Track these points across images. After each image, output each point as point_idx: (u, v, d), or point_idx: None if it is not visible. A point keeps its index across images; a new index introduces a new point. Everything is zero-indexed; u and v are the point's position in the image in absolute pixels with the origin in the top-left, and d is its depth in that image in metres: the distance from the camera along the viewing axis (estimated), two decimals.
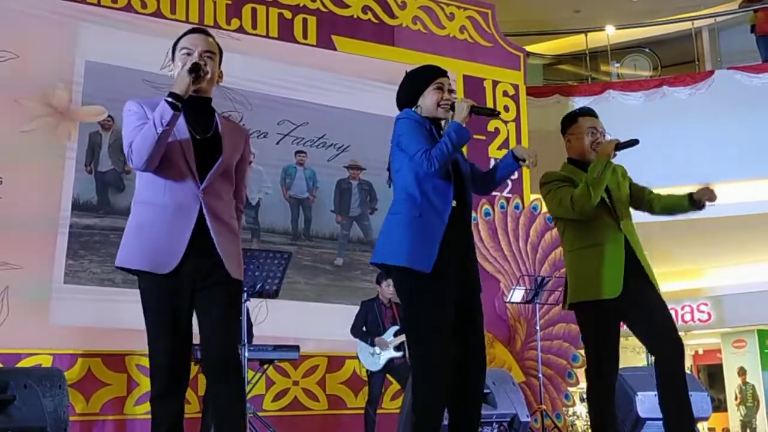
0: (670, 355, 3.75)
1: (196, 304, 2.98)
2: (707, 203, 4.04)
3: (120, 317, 6.67)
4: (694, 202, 4.02)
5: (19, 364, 6.17)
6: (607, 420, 3.84)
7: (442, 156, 3.32)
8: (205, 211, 2.97)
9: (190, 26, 7.51)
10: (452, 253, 3.35)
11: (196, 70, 2.95)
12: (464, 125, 3.39)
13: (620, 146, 3.87)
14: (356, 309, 7.04)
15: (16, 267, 6.54)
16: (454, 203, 3.41)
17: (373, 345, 6.84)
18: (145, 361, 6.65)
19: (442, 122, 3.55)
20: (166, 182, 2.99)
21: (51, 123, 6.95)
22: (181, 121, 3.00)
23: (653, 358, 3.87)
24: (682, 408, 3.71)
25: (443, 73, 3.58)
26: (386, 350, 6.80)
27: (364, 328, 6.94)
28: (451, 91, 3.54)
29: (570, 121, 4.10)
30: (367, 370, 6.92)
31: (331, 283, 7.83)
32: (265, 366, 6.46)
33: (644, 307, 3.83)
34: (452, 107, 3.45)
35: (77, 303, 6.71)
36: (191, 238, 2.94)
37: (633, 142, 3.86)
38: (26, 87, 6.92)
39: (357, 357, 6.97)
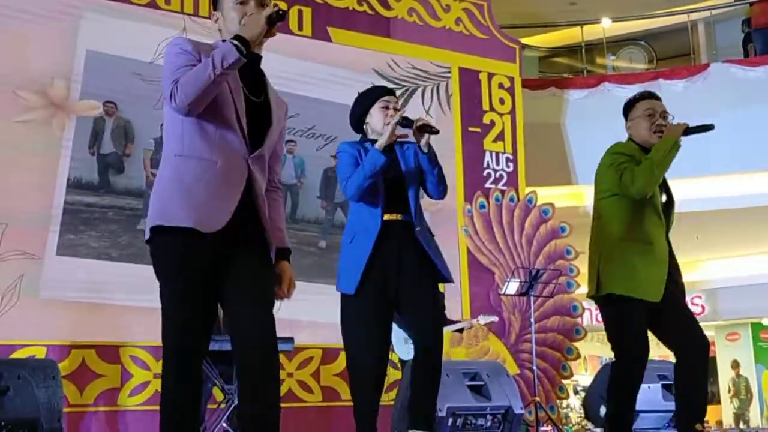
0: (697, 355, 3.77)
1: (227, 274, 2.63)
2: None
3: (115, 293, 6.80)
4: None
5: (13, 356, 6.16)
6: (626, 412, 3.79)
7: (357, 183, 3.57)
8: (252, 178, 2.67)
9: (185, 17, 7.60)
10: (388, 268, 3.54)
11: (281, 18, 2.58)
12: (386, 142, 3.56)
13: (690, 131, 3.71)
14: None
15: (34, 257, 6.63)
16: (395, 216, 3.59)
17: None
18: (139, 353, 6.77)
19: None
20: (216, 138, 2.64)
21: (47, 115, 6.97)
22: (236, 75, 2.68)
23: (675, 354, 3.87)
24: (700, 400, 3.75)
25: (389, 92, 3.76)
26: None
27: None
28: (396, 109, 3.67)
29: (628, 107, 3.97)
30: (399, 358, 6.84)
31: (315, 264, 7.95)
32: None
33: (674, 313, 3.84)
34: (400, 123, 3.60)
35: (71, 276, 6.77)
36: (238, 203, 2.63)
37: (707, 127, 3.70)
38: (25, 79, 6.93)
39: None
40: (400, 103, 3.82)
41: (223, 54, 2.51)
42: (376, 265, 3.51)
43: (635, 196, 3.74)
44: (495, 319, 7.03)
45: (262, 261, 2.72)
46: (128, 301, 6.78)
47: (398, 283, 3.56)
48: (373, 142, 3.63)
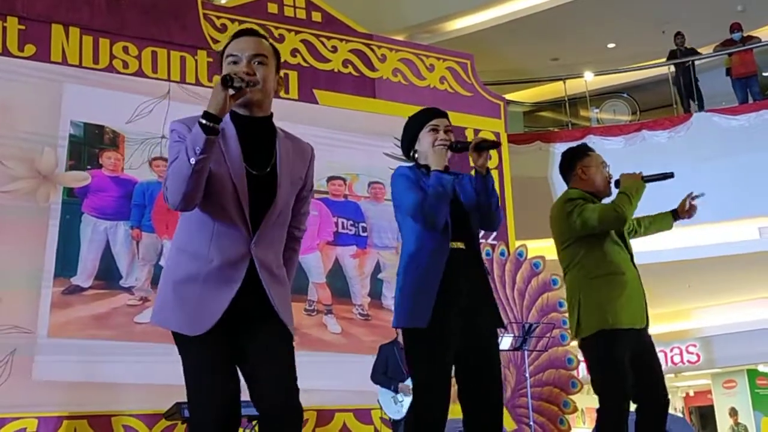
0: (659, 411, 3.74)
1: (243, 344, 2.53)
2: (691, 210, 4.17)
3: (106, 371, 6.75)
4: (678, 216, 4.16)
5: (4, 430, 6.08)
6: None
7: (434, 209, 3.18)
8: (257, 265, 2.54)
9: (171, 84, 7.67)
10: (455, 300, 3.20)
11: (228, 83, 2.41)
12: (443, 168, 3.26)
13: (649, 179, 3.82)
14: None
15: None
16: (459, 245, 3.26)
17: (396, 391, 6.61)
18: (132, 421, 6.67)
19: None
20: (213, 231, 2.53)
21: (33, 185, 7.00)
22: (237, 151, 2.56)
23: (637, 408, 3.82)
24: None
25: (439, 114, 3.41)
26: (409, 396, 6.55)
27: (385, 374, 6.73)
28: (448, 131, 3.36)
29: (581, 154, 4.04)
30: (390, 418, 6.78)
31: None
32: (254, 422, 6.37)
33: (647, 353, 3.78)
34: (452, 148, 3.33)
35: (62, 358, 6.70)
36: (238, 294, 2.50)
37: (667, 175, 3.79)
38: (11, 148, 6.98)
39: (379, 405, 6.78)
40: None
41: (193, 140, 2.40)
42: (444, 296, 3.16)
43: (613, 227, 3.78)
44: None
45: (274, 329, 2.56)
46: (120, 379, 6.76)
47: (463, 322, 3.21)
48: (428, 168, 3.29)
